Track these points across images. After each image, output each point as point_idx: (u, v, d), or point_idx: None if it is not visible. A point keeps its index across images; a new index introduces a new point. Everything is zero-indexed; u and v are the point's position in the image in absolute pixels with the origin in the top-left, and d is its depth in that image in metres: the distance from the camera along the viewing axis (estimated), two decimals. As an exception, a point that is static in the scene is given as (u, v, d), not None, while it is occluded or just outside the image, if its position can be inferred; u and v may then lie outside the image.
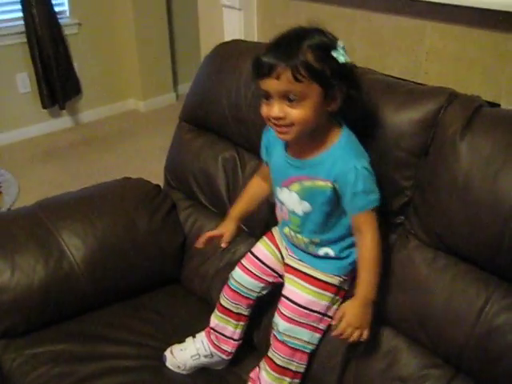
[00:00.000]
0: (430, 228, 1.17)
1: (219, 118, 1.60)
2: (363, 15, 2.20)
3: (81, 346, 1.40)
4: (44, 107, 3.83)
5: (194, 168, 1.68)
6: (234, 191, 1.56)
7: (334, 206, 1.15)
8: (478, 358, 1.08)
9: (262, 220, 1.47)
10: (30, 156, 3.65)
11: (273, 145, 1.24)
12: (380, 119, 1.21)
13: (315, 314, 1.22)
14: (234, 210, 1.38)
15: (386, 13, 2.11)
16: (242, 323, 1.37)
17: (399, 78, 1.37)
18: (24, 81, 3.77)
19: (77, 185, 1.88)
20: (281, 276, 1.31)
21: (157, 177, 1.85)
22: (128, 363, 1.36)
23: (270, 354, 1.26)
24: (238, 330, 1.37)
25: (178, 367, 1.36)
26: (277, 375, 1.24)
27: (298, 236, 1.23)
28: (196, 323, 1.46)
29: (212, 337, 1.37)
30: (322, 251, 1.22)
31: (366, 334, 1.14)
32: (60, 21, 3.75)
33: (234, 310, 1.35)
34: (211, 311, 1.40)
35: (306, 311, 1.21)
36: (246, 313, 1.36)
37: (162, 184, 1.81)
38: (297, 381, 1.27)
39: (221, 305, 1.37)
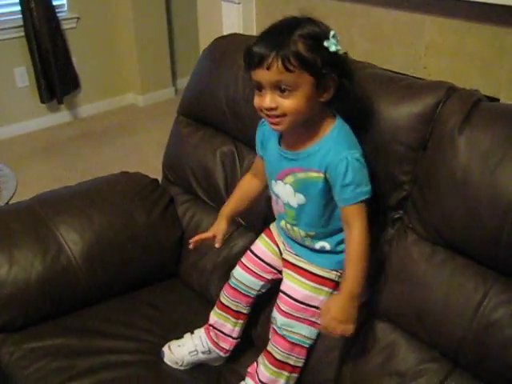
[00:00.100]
0: (429, 222, 1.17)
1: (217, 112, 1.59)
2: (363, 10, 2.19)
3: (78, 341, 1.40)
4: (42, 101, 3.82)
5: (192, 162, 1.67)
6: (232, 185, 1.55)
7: (328, 198, 1.14)
8: (476, 352, 1.08)
9: (260, 214, 1.47)
10: (29, 150, 3.64)
11: (267, 138, 1.24)
12: (379, 113, 1.20)
13: (312, 308, 1.21)
14: (226, 208, 1.38)
15: (386, 7, 2.11)
16: (240, 321, 1.37)
17: (398, 73, 1.37)
18: (22, 75, 3.76)
19: (75, 179, 1.88)
20: (280, 272, 1.31)
21: (155, 171, 1.85)
22: (126, 358, 1.36)
23: (269, 348, 1.26)
24: (237, 328, 1.37)
25: (176, 363, 1.36)
26: (275, 369, 1.24)
27: (295, 228, 1.22)
28: (194, 319, 1.46)
29: (211, 334, 1.37)
30: (318, 245, 1.21)
31: (351, 328, 1.12)
32: (58, 15, 3.74)
33: (234, 308, 1.36)
34: (209, 307, 1.40)
35: (303, 306, 1.21)
36: (245, 311, 1.36)
37: (160, 178, 1.80)
38: (295, 375, 1.27)
39: (220, 302, 1.37)
